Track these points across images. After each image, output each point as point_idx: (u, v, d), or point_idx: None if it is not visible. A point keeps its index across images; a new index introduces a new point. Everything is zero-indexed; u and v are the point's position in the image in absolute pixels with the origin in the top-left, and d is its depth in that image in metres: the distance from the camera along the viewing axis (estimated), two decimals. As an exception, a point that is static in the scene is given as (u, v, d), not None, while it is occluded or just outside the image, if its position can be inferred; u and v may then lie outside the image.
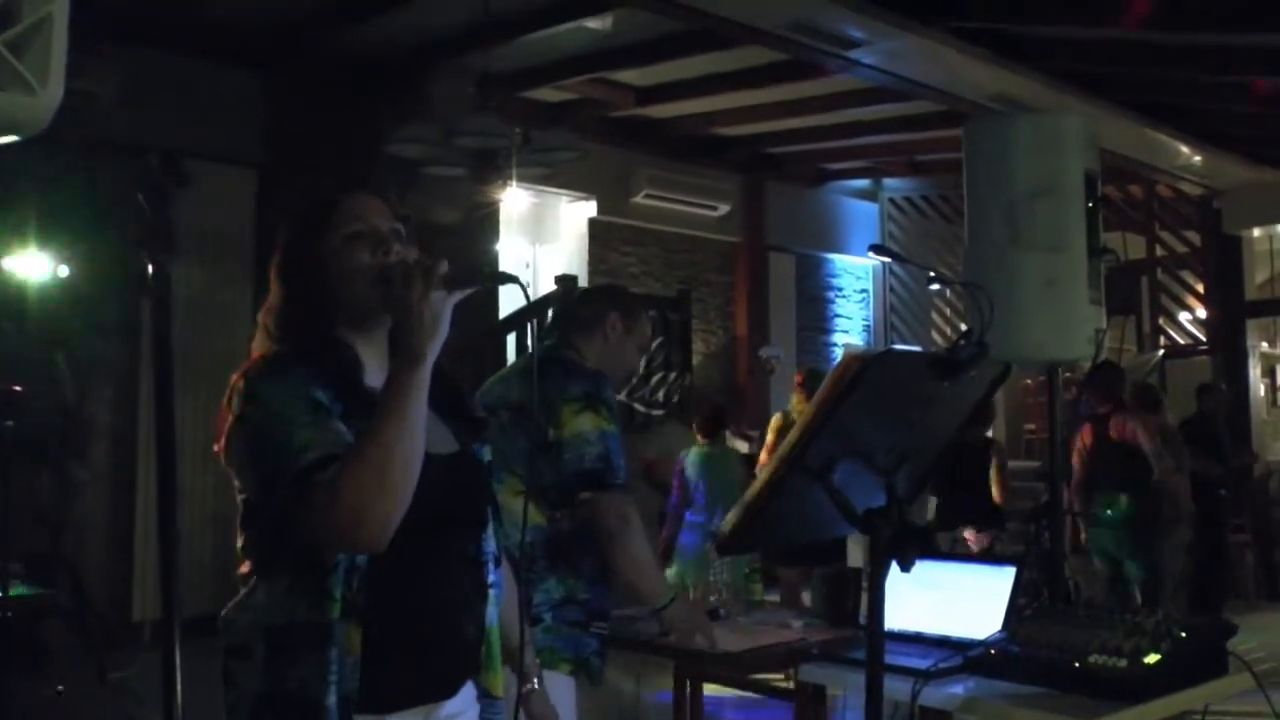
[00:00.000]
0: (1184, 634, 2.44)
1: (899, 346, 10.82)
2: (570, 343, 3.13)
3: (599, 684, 2.98)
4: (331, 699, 1.69)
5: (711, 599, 3.86)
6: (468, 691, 1.94)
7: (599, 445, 2.87)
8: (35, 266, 6.39)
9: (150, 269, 1.36)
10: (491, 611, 1.95)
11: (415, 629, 1.82)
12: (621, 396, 8.46)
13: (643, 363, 3.39)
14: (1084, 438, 6.64)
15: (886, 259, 12.24)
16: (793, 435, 1.87)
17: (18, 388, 5.24)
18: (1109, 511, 6.45)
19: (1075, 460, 6.63)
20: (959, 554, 5.87)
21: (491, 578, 1.96)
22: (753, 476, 7.65)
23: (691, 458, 6.91)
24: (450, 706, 1.89)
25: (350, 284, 1.79)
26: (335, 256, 1.80)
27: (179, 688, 1.36)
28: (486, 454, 1.99)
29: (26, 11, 1.13)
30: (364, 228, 1.82)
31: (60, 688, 5.47)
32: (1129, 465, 6.43)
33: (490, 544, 1.96)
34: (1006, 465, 6.92)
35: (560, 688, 2.83)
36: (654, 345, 8.49)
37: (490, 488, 2.00)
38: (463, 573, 1.90)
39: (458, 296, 1.72)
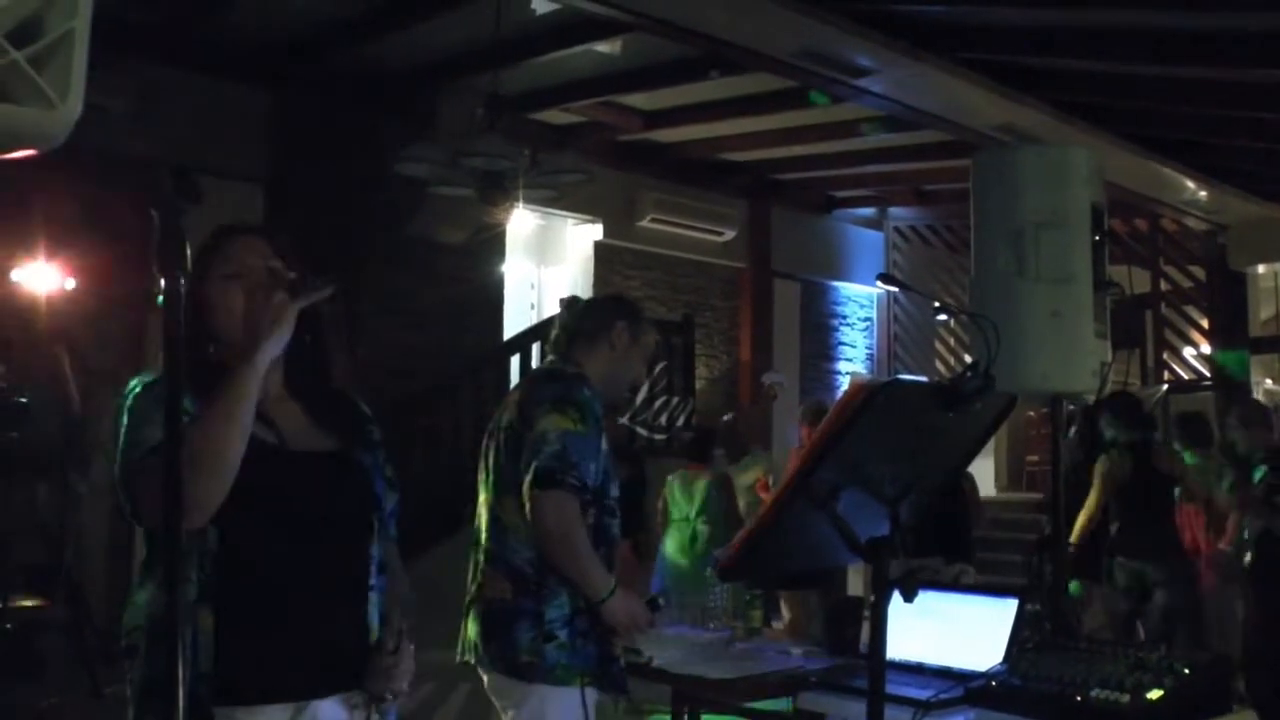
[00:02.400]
0: (1187, 670, 2.43)
1: (905, 376, 10.81)
2: (572, 358, 3.07)
3: (626, 692, 2.93)
4: (185, 675, 1.74)
5: (711, 625, 3.86)
6: (351, 699, 1.98)
7: (556, 444, 2.81)
8: (44, 278, 6.40)
9: (163, 284, 1.37)
10: (372, 613, 2.02)
11: (275, 618, 1.89)
12: (624, 420, 8.47)
13: (646, 373, 3.36)
14: (1121, 464, 6.43)
15: (893, 288, 12.28)
16: (798, 462, 1.87)
17: (23, 399, 5.25)
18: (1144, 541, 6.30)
19: (1098, 487, 6.40)
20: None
21: (372, 580, 2.03)
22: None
23: (673, 483, 6.89)
24: (326, 710, 1.94)
25: (227, 320, 1.93)
26: (215, 297, 1.95)
27: (181, 700, 1.35)
28: (372, 463, 2.08)
29: (50, 27, 1.14)
30: (238, 269, 1.96)
31: (54, 700, 5.45)
32: (1167, 495, 6.36)
33: (374, 547, 2.04)
34: (977, 493, 6.88)
35: (575, 703, 2.81)
36: (658, 367, 8.50)
37: (370, 491, 2.07)
38: (337, 571, 1.98)
39: (302, 302, 1.86)
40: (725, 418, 8.09)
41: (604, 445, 2.94)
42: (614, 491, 2.98)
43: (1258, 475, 5.84)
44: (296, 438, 1.99)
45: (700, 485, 6.79)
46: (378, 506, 2.07)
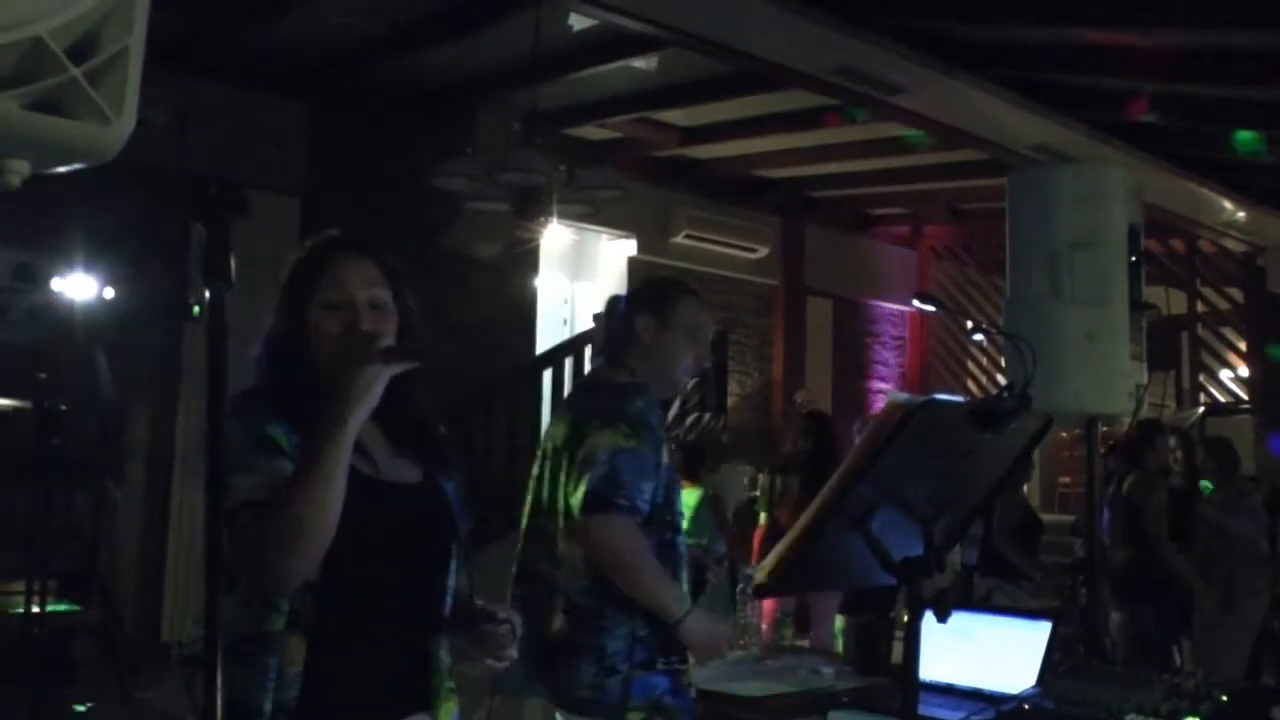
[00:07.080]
0: (1225, 697, 2.40)
1: (942, 396, 10.75)
2: (618, 360, 2.92)
3: None
4: (268, 706, 1.76)
5: (740, 643, 3.85)
6: None
7: (605, 465, 2.66)
8: (82, 288, 6.47)
9: (207, 297, 1.37)
10: (442, 647, 1.99)
11: (358, 650, 1.87)
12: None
13: (707, 350, 2.98)
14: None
15: (930, 307, 12.21)
16: (834, 481, 1.87)
17: (62, 406, 5.29)
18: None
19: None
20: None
21: (446, 612, 2.00)
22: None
23: None
24: None
25: (322, 348, 1.90)
26: (313, 320, 1.92)
27: (219, 708, 1.36)
28: (451, 488, 2.04)
29: (106, 43, 1.15)
30: (341, 298, 1.92)
31: (90, 704, 5.49)
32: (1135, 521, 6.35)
33: (451, 578, 2.01)
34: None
35: None
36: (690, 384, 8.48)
37: (453, 520, 2.03)
38: (413, 602, 1.95)
39: (395, 369, 1.80)
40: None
41: (664, 458, 2.77)
42: (679, 506, 2.84)
43: None
44: (387, 468, 1.95)
45: (690, 500, 6.80)
46: (456, 536, 2.04)
